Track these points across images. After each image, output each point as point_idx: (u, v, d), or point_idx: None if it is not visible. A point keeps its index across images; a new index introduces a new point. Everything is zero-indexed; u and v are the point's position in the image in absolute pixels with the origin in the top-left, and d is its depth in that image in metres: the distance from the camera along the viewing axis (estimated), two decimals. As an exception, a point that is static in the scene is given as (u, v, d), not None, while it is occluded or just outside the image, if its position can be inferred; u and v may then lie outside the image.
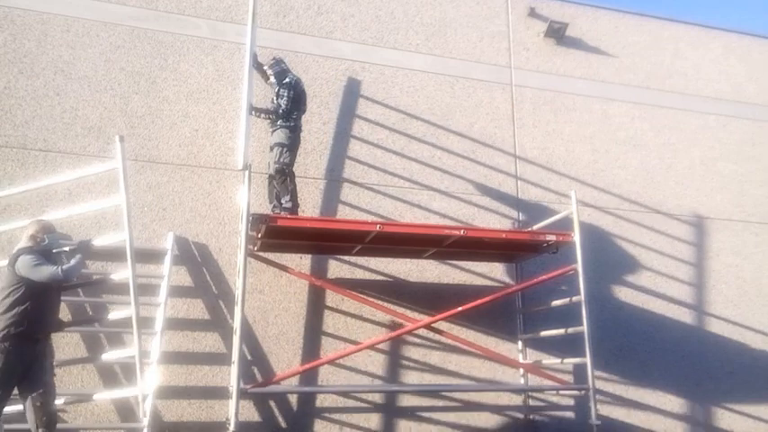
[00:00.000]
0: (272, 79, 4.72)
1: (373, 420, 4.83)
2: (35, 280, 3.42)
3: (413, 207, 5.40)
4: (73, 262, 3.56)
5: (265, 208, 4.74)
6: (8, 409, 3.53)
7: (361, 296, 4.81)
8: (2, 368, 3.33)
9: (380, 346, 4.85)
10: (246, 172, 4.13)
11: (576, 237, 4.79)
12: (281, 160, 4.50)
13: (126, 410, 4.31)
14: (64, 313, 4.38)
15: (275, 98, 4.64)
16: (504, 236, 4.86)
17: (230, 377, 3.89)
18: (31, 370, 3.46)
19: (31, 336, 3.44)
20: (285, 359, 4.74)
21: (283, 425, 4.63)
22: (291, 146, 4.59)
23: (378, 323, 5.00)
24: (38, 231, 3.63)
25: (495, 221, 5.58)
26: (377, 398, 4.88)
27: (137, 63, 5.05)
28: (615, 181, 6.15)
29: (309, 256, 5.04)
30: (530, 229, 5.38)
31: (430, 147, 5.64)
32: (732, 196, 6.52)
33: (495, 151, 5.83)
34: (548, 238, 4.80)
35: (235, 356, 3.93)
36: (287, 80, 4.67)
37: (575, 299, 4.75)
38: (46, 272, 3.43)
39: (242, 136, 4.20)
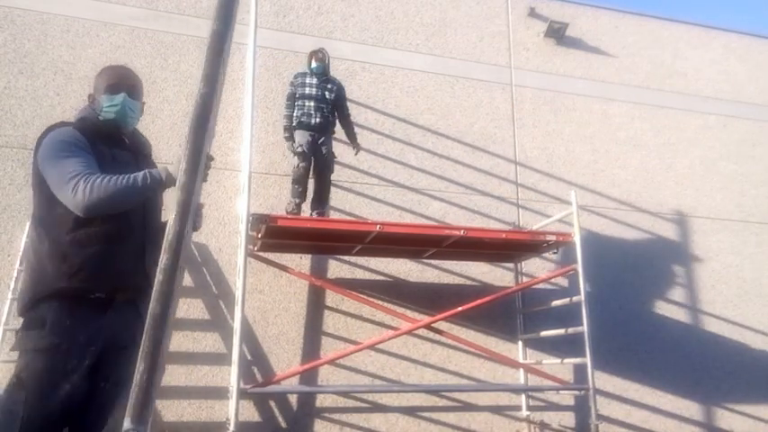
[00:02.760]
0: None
1: (373, 420, 4.83)
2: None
3: (412, 207, 5.41)
4: (121, 182, 2.05)
5: (265, 208, 4.75)
6: None
7: (362, 296, 4.80)
8: (39, 373, 1.84)
9: (380, 346, 4.85)
10: (247, 173, 4.13)
11: (576, 237, 4.79)
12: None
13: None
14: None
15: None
16: (504, 236, 4.86)
17: (230, 377, 3.89)
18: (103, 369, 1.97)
19: (93, 295, 1.99)
20: (285, 359, 4.74)
21: (283, 425, 4.63)
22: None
23: (378, 323, 5.00)
24: (100, 85, 2.30)
25: (494, 221, 5.58)
26: (377, 398, 4.88)
27: (137, 63, 5.05)
28: (615, 181, 6.15)
29: (309, 256, 5.04)
30: (530, 229, 5.39)
31: (429, 147, 5.64)
32: (732, 196, 6.52)
33: (494, 151, 5.83)
34: (548, 239, 4.80)
35: (235, 356, 3.94)
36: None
37: (575, 299, 4.75)
38: (65, 185, 1.99)
39: (245, 138, 4.20)
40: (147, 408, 1.25)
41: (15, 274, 4.15)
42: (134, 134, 2.50)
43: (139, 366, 1.25)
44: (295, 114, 4.66)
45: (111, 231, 2.11)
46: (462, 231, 4.54)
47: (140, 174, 2.12)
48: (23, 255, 2.09)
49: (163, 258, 1.34)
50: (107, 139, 2.28)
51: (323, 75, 4.76)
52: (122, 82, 2.37)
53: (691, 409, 5.63)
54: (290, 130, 4.66)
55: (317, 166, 4.64)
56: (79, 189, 1.99)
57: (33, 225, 2.14)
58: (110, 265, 2.08)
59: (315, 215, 4.61)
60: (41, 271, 2.03)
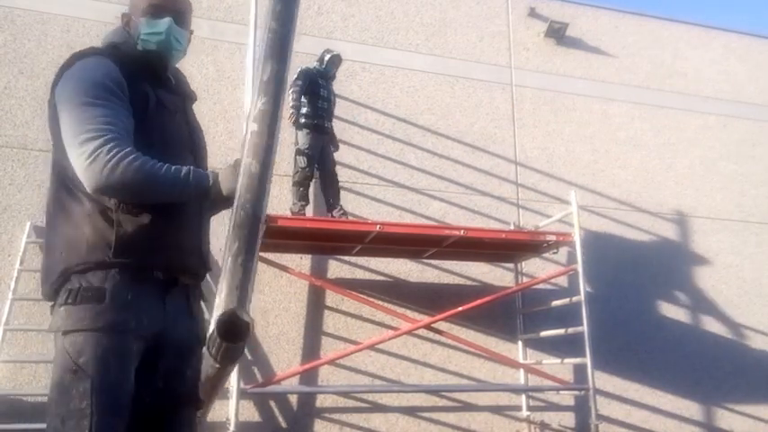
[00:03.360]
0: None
1: (373, 420, 4.83)
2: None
3: (412, 207, 5.40)
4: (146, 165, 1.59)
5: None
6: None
7: (362, 296, 4.81)
8: (105, 358, 1.48)
9: (380, 346, 4.85)
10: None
11: (576, 237, 4.79)
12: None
13: (126, 410, 4.31)
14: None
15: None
16: (504, 236, 4.87)
17: (230, 377, 3.89)
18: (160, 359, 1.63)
19: (147, 271, 1.64)
20: (285, 359, 4.74)
21: (283, 425, 4.63)
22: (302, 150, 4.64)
23: (378, 323, 5.00)
24: (139, 3, 1.79)
25: (494, 221, 5.58)
26: (377, 398, 4.88)
27: (137, 63, 5.05)
28: (615, 181, 6.15)
29: (309, 256, 5.04)
30: (530, 229, 5.39)
31: (429, 147, 5.64)
32: (732, 196, 6.52)
33: (494, 151, 5.83)
34: (548, 239, 4.80)
35: (235, 356, 3.93)
36: (300, 68, 4.70)
37: (575, 299, 4.75)
38: (79, 147, 1.51)
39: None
40: (247, 290, 1.30)
41: (15, 274, 4.15)
42: (176, 73, 1.95)
43: (234, 246, 1.25)
44: (303, 112, 4.67)
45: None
46: (462, 231, 4.54)
47: (184, 170, 1.58)
48: (48, 218, 1.65)
49: (258, 102, 1.30)
50: (150, 76, 1.77)
51: (332, 79, 4.95)
52: (168, 4, 1.82)
53: (691, 409, 5.63)
54: (296, 124, 4.67)
55: (326, 167, 4.74)
56: (100, 159, 1.48)
57: (60, 181, 1.65)
58: (164, 239, 1.64)
59: (338, 215, 4.67)
60: (79, 237, 1.58)
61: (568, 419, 5.27)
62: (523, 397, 5.20)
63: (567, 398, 5.26)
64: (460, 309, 4.63)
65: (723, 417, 5.73)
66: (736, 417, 5.76)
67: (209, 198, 1.63)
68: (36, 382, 4.19)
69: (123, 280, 1.57)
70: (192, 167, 1.62)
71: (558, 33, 6.35)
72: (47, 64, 4.86)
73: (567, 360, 4.96)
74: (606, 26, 6.74)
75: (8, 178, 4.51)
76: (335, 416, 4.76)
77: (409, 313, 5.00)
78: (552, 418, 5.24)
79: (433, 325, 4.70)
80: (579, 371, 5.09)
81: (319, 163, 4.71)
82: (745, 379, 5.87)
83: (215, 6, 5.37)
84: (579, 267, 4.75)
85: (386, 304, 4.95)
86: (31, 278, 4.34)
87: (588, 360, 4.57)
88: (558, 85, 6.30)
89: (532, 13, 6.40)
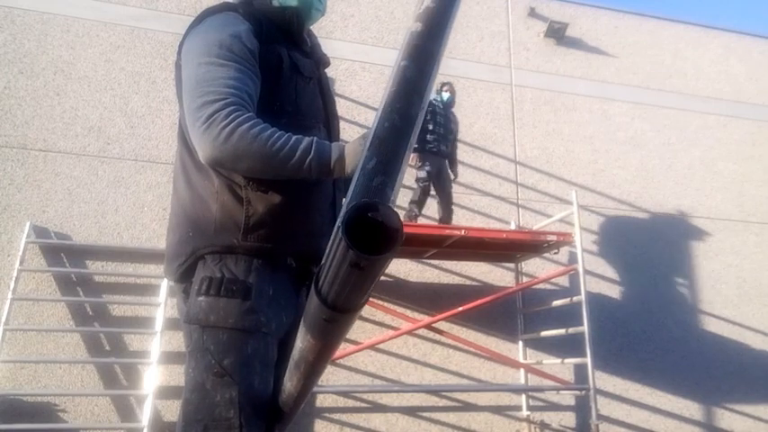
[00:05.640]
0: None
1: (373, 420, 4.83)
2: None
3: (413, 207, 5.41)
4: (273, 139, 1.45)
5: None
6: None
7: (362, 296, 4.80)
8: (250, 361, 1.38)
9: (380, 346, 4.85)
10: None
11: (577, 237, 4.79)
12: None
13: (126, 410, 4.31)
14: (62, 313, 4.38)
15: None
16: (504, 236, 4.86)
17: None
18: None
19: (279, 256, 1.50)
20: (285, 359, 4.74)
21: (283, 425, 4.63)
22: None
23: (378, 323, 5.00)
24: None
25: (495, 221, 5.58)
26: (377, 398, 4.88)
27: (137, 63, 5.05)
28: (615, 181, 6.15)
29: (309, 256, 5.03)
30: (530, 229, 5.38)
31: (430, 147, 5.64)
32: (732, 196, 6.52)
33: (494, 151, 5.83)
34: (548, 239, 4.80)
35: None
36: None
37: (575, 299, 4.75)
38: (197, 110, 1.38)
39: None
40: (398, 159, 0.95)
41: (15, 274, 4.15)
42: (311, 35, 1.75)
43: (369, 164, 0.90)
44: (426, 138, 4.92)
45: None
46: (463, 231, 4.54)
47: (305, 141, 1.37)
48: (175, 193, 1.55)
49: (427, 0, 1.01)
50: (285, 37, 1.58)
51: (451, 107, 5.21)
52: None
53: (691, 409, 5.63)
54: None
55: (443, 187, 5.02)
56: (215, 126, 1.32)
57: (187, 153, 1.53)
58: (295, 222, 1.48)
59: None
60: (207, 216, 1.45)
61: (568, 419, 5.27)
62: (523, 397, 5.20)
63: (567, 398, 5.26)
64: (461, 309, 4.62)
65: (723, 417, 5.73)
66: (735, 417, 5.76)
67: (332, 175, 1.40)
68: (36, 382, 4.19)
69: (265, 272, 1.42)
70: (315, 138, 1.39)
71: (557, 33, 6.35)
72: (47, 64, 4.86)
73: (567, 360, 4.96)
74: (606, 26, 6.74)
75: (8, 178, 4.51)
76: (335, 416, 4.76)
77: (409, 313, 5.00)
78: (552, 418, 5.24)
79: (433, 325, 4.70)
80: (579, 371, 5.10)
81: (436, 183, 4.98)
82: (745, 379, 5.87)
83: (215, 6, 5.37)
84: (579, 267, 4.75)
85: (386, 304, 4.95)
86: (31, 278, 4.35)
87: (588, 360, 4.57)
88: (558, 85, 6.30)
89: (532, 14, 6.40)
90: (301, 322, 1.02)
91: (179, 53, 1.53)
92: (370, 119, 5.58)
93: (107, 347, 4.38)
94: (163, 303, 4.33)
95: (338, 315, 0.87)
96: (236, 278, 1.38)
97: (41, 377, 4.20)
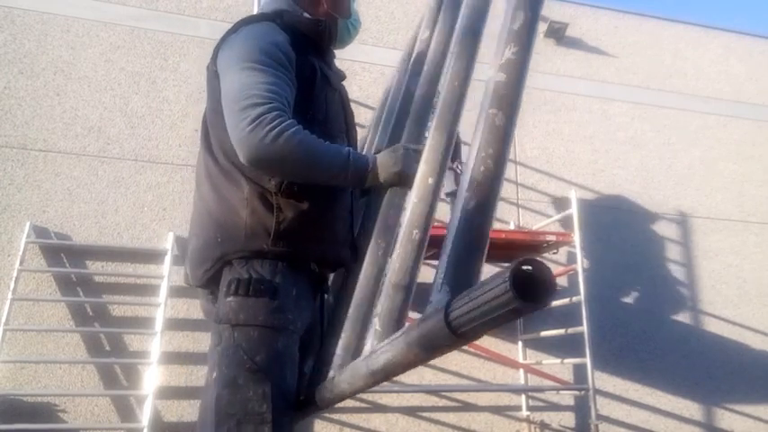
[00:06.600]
0: None
1: (373, 420, 4.83)
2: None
3: (413, 207, 5.41)
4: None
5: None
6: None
7: (362, 296, 4.80)
8: (281, 358, 1.46)
9: (380, 346, 4.84)
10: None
11: (576, 237, 4.79)
12: None
13: (126, 410, 4.31)
14: (62, 313, 4.39)
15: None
16: (503, 236, 4.86)
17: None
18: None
19: (311, 266, 1.61)
20: (285, 359, 4.74)
21: (283, 425, 4.63)
22: None
23: (378, 323, 4.99)
24: None
25: (495, 221, 5.57)
26: (377, 398, 4.88)
27: (137, 63, 5.05)
28: (615, 181, 6.15)
29: (309, 256, 5.03)
30: (530, 229, 5.39)
31: (430, 147, 5.64)
32: (732, 196, 6.52)
33: (495, 151, 5.83)
34: (548, 239, 4.80)
35: (235, 356, 3.92)
36: None
37: (574, 299, 4.76)
38: (241, 112, 1.42)
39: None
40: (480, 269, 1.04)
41: (15, 274, 4.15)
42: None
43: (470, 204, 1.08)
44: None
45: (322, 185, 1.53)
46: (462, 231, 4.54)
47: (344, 150, 1.49)
48: (199, 200, 1.56)
49: (507, 51, 1.15)
50: (315, 49, 1.69)
51: None
52: None
53: (691, 409, 5.63)
54: None
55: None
56: (261, 127, 1.37)
57: (214, 159, 1.55)
58: (321, 228, 1.56)
59: None
60: (237, 222, 1.49)
61: (568, 419, 5.27)
62: (523, 397, 5.20)
63: (566, 398, 5.26)
64: (460, 309, 4.62)
65: (723, 417, 5.74)
66: (735, 417, 5.76)
67: (365, 184, 1.53)
68: (36, 382, 4.19)
69: (289, 274, 1.49)
70: (350, 148, 1.52)
71: (557, 33, 6.35)
72: (47, 64, 4.86)
73: (566, 360, 4.96)
74: (606, 26, 6.74)
75: (8, 178, 4.51)
76: (335, 416, 4.76)
77: (410, 313, 5.00)
78: (552, 418, 5.24)
79: (433, 325, 4.69)
80: (579, 371, 5.10)
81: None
82: (745, 379, 5.87)
83: (215, 6, 5.37)
84: (579, 267, 4.76)
85: (386, 304, 4.94)
86: (31, 278, 4.35)
87: (588, 360, 4.58)
88: (557, 85, 6.30)
89: (532, 13, 6.40)
90: (405, 336, 1.08)
91: (214, 58, 1.61)
92: (370, 119, 5.57)
93: (107, 348, 4.39)
94: (163, 303, 4.34)
95: (460, 342, 0.94)
96: (263, 278, 1.44)
97: (41, 377, 4.21)
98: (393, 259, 1.32)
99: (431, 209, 1.34)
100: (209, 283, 1.54)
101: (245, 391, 1.36)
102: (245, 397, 1.36)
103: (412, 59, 2.08)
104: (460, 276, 1.00)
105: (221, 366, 1.40)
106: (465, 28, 1.39)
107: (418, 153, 1.50)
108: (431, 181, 1.37)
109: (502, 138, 1.16)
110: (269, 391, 1.37)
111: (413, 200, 1.33)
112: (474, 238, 1.05)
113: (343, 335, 1.37)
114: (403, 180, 1.54)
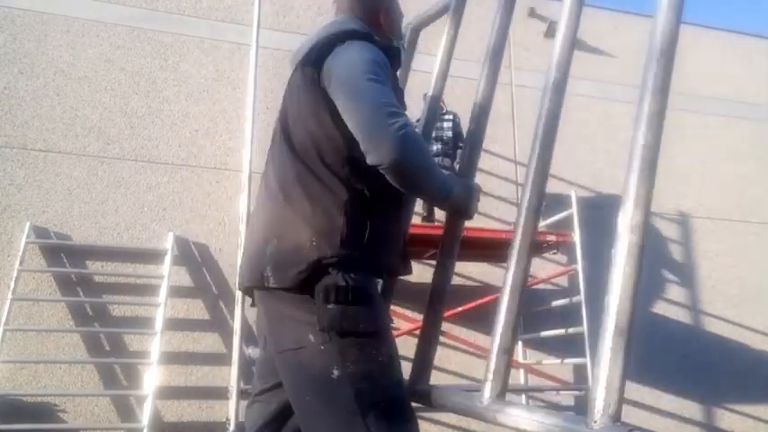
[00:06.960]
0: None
1: (373, 420, 4.82)
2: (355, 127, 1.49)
3: (413, 207, 5.41)
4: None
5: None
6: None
7: (362, 296, 4.80)
8: (393, 361, 1.59)
9: (380, 346, 4.85)
10: (247, 173, 4.14)
11: (577, 237, 4.79)
12: None
13: (126, 410, 4.31)
14: (62, 313, 4.39)
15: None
16: (504, 236, 4.86)
17: (230, 377, 3.89)
18: None
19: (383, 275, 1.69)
20: (285, 359, 4.74)
21: (283, 425, 4.63)
22: None
23: (378, 323, 5.00)
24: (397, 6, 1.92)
25: (494, 221, 5.58)
26: (377, 398, 4.87)
27: (137, 63, 5.05)
28: (615, 181, 6.15)
29: (309, 256, 5.04)
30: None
31: (430, 147, 5.65)
32: (732, 196, 6.52)
33: (494, 151, 5.83)
34: (548, 239, 4.80)
35: (235, 356, 3.94)
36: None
37: (574, 299, 4.76)
38: (384, 119, 1.44)
39: (246, 138, 4.21)
40: None
41: (15, 274, 4.16)
42: None
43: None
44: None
45: (399, 194, 1.58)
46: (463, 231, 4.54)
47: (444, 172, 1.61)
48: (287, 202, 1.56)
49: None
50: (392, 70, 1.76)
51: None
52: None
53: (690, 409, 5.64)
54: None
55: None
56: (410, 134, 1.45)
57: (307, 164, 1.56)
58: (397, 238, 1.68)
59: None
60: (333, 226, 1.50)
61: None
62: (523, 397, 5.20)
63: (567, 398, 5.26)
64: (460, 309, 4.63)
65: (723, 417, 5.74)
66: (735, 417, 5.77)
67: (444, 206, 1.78)
68: (36, 382, 4.19)
69: (373, 281, 1.57)
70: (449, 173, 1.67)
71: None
72: (47, 64, 4.86)
73: (566, 360, 4.97)
74: (606, 26, 6.74)
75: (8, 178, 4.51)
76: (335, 416, 4.76)
77: (409, 313, 5.00)
78: (552, 419, 5.23)
79: (433, 325, 4.70)
80: (579, 371, 5.10)
81: None
82: (745, 379, 5.87)
83: (215, 6, 5.37)
84: (579, 267, 4.76)
85: (386, 304, 4.95)
86: (31, 278, 4.35)
87: (588, 360, 4.58)
88: (557, 85, 6.29)
89: (532, 14, 6.40)
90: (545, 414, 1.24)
91: (315, 64, 1.60)
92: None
93: (107, 347, 4.39)
94: (163, 303, 4.34)
95: None
96: (359, 285, 1.50)
97: (41, 377, 4.21)
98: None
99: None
100: (303, 285, 1.51)
101: (384, 380, 1.50)
102: (384, 385, 1.49)
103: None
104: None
105: (345, 364, 1.45)
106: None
107: (479, 191, 1.83)
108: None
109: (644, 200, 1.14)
110: (401, 378, 1.56)
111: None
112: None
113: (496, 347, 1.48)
114: (466, 216, 1.84)
